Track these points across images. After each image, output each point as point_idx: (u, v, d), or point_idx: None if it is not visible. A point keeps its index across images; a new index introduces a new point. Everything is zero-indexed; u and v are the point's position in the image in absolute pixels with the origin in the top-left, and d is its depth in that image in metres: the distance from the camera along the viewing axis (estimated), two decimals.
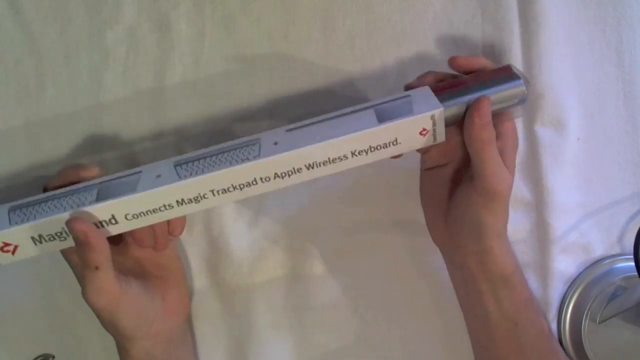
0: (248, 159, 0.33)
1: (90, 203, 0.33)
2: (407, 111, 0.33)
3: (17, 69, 0.43)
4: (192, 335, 0.44)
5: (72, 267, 0.37)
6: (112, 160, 0.43)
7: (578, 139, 0.43)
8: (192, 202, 0.34)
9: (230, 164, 0.33)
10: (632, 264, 0.38)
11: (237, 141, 0.34)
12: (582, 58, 0.42)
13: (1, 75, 0.43)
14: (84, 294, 0.34)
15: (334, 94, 0.43)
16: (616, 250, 0.43)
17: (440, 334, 0.44)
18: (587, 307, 0.42)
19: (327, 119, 0.35)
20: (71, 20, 0.43)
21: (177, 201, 0.34)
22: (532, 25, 0.41)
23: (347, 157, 0.34)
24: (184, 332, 0.42)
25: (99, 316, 0.36)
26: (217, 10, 0.43)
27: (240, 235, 0.43)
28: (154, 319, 0.38)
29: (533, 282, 0.43)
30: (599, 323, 0.41)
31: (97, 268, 0.33)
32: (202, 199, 0.34)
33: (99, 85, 0.43)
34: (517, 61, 0.42)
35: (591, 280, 0.42)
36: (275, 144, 0.33)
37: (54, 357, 0.44)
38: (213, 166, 0.33)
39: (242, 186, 0.33)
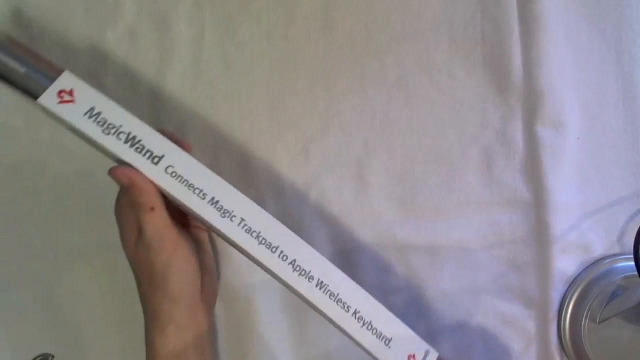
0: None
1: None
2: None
3: None
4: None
5: (142, 231, 0.35)
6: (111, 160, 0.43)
7: (578, 139, 0.43)
8: (217, 212, 0.34)
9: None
10: (632, 263, 0.38)
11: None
12: (582, 58, 0.42)
13: None
14: (143, 237, 0.34)
15: (334, 93, 0.43)
16: (616, 250, 0.43)
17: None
18: (587, 307, 0.42)
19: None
20: (71, 20, 0.43)
21: (211, 199, 0.33)
22: (532, 25, 0.41)
23: (337, 298, 0.34)
24: (210, 327, 0.40)
25: (153, 268, 0.34)
26: (217, 10, 0.43)
27: None
28: (198, 290, 0.37)
29: (533, 282, 0.43)
30: (599, 323, 0.41)
31: (152, 209, 0.33)
32: (229, 220, 0.34)
33: (99, 86, 0.43)
34: (517, 61, 0.42)
35: (591, 280, 0.42)
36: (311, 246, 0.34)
37: (53, 357, 0.44)
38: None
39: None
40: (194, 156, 0.34)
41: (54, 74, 0.33)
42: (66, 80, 0.33)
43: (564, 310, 0.43)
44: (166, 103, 0.43)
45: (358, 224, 0.43)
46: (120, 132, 0.33)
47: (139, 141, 0.33)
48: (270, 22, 0.43)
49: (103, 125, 0.33)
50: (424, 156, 0.43)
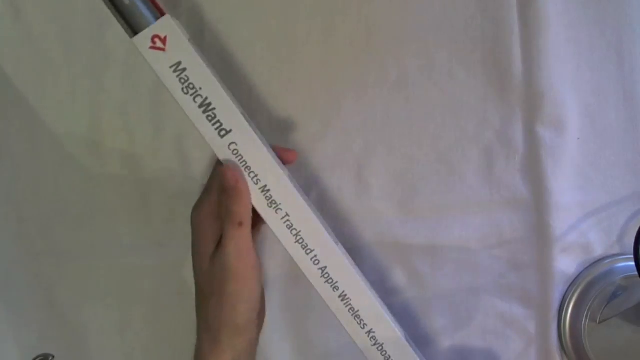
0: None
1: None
2: None
3: (17, 69, 0.43)
4: None
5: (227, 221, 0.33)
6: (112, 160, 0.43)
7: (578, 138, 0.43)
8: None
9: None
10: (632, 263, 0.38)
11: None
12: (582, 58, 0.42)
13: (1, 75, 0.43)
14: (222, 254, 0.32)
15: (334, 94, 0.43)
16: (616, 250, 0.43)
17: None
18: (587, 307, 0.42)
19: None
20: (71, 20, 0.43)
21: (263, 186, 0.33)
22: (532, 25, 0.41)
23: (356, 313, 0.35)
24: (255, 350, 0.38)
25: (224, 289, 0.32)
26: (217, 10, 0.43)
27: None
28: (261, 321, 0.35)
29: (533, 282, 0.43)
30: (599, 323, 0.41)
31: (240, 224, 0.32)
32: (274, 211, 0.34)
33: (99, 85, 0.43)
34: (517, 61, 0.42)
35: (591, 280, 0.42)
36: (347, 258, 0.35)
37: (53, 357, 0.44)
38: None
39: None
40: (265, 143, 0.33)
41: (156, 14, 0.32)
42: (163, 26, 0.32)
43: (564, 310, 0.43)
44: (166, 103, 0.43)
45: (358, 224, 0.43)
46: (198, 95, 0.32)
47: (213, 109, 0.32)
48: (270, 22, 0.43)
49: (184, 83, 0.32)
50: (424, 156, 0.43)
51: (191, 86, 0.32)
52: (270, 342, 0.44)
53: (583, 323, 0.42)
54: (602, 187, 0.43)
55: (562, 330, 0.43)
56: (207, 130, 0.33)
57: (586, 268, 0.43)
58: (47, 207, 0.44)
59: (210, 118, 0.33)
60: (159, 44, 0.32)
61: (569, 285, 0.43)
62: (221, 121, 0.33)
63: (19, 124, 0.43)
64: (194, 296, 0.44)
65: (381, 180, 0.43)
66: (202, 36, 0.43)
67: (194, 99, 0.32)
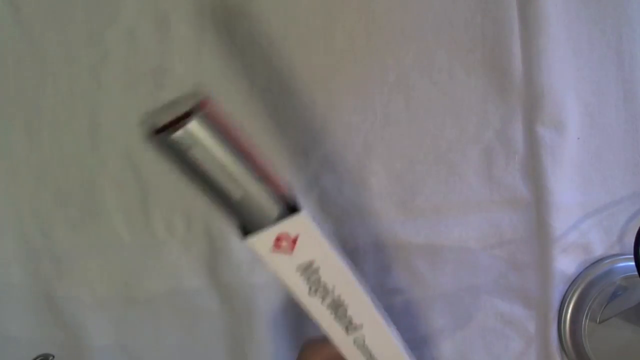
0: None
1: None
2: None
3: (17, 69, 0.43)
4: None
5: None
6: (112, 160, 0.43)
7: (578, 138, 0.43)
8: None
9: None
10: (632, 263, 0.38)
11: None
12: (582, 58, 0.42)
13: (1, 75, 0.43)
14: None
15: (334, 93, 0.43)
16: (616, 250, 0.43)
17: None
18: (587, 307, 0.42)
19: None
20: (71, 20, 0.43)
21: None
22: (532, 25, 0.41)
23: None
24: None
25: None
26: (217, 10, 0.43)
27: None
28: None
29: (533, 282, 0.43)
30: (599, 323, 0.41)
31: None
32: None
33: (99, 85, 0.43)
34: (517, 61, 0.42)
35: (591, 280, 0.43)
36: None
37: (53, 357, 0.44)
38: None
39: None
40: None
41: (280, 203, 0.24)
42: (295, 223, 0.25)
43: (564, 310, 0.43)
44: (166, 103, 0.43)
45: (358, 224, 0.43)
46: (327, 295, 0.27)
47: (345, 306, 0.28)
48: (270, 22, 0.43)
49: (312, 283, 0.27)
50: (424, 156, 0.43)
51: (322, 287, 0.27)
52: (271, 342, 0.44)
53: (583, 323, 0.42)
54: (602, 187, 0.43)
55: (562, 330, 0.43)
56: (334, 329, 0.28)
57: (586, 268, 0.43)
58: (47, 207, 0.44)
59: (339, 318, 0.28)
60: (284, 244, 0.25)
61: (569, 285, 0.43)
62: (352, 318, 0.28)
63: (19, 123, 0.43)
64: (193, 295, 0.44)
65: (381, 180, 0.43)
66: (202, 36, 0.43)
67: (323, 300, 0.27)
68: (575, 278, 0.43)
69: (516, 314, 0.43)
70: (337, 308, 0.28)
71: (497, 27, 0.42)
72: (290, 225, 0.24)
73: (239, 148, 0.23)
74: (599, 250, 0.43)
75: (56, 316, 0.44)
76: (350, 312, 0.28)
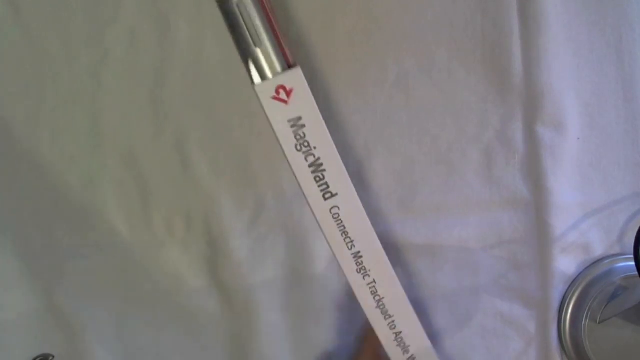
0: None
1: None
2: None
3: (17, 69, 0.43)
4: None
5: None
6: (112, 160, 0.43)
7: (578, 138, 0.43)
8: None
9: None
10: (632, 263, 0.38)
11: None
12: (582, 58, 0.42)
13: (1, 75, 0.43)
14: None
15: (334, 93, 0.43)
16: (616, 250, 0.43)
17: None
18: (587, 307, 0.42)
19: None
20: (71, 20, 0.43)
21: (356, 252, 0.33)
22: (532, 25, 0.41)
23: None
24: None
25: None
26: (217, 10, 0.43)
27: (240, 235, 0.43)
28: None
29: (533, 282, 0.43)
30: (599, 323, 0.41)
31: None
32: (362, 276, 0.34)
33: (99, 85, 0.43)
34: (517, 61, 0.42)
35: (591, 280, 0.43)
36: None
37: (53, 357, 0.44)
38: None
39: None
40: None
41: (284, 63, 0.31)
42: (292, 77, 0.31)
43: (564, 310, 0.43)
44: (166, 103, 0.43)
45: None
46: (310, 154, 0.32)
47: (323, 170, 0.32)
48: None
49: (299, 139, 0.31)
50: (424, 156, 0.43)
51: (306, 144, 0.31)
52: (270, 342, 0.44)
53: (583, 323, 0.42)
54: (602, 187, 0.43)
55: (562, 330, 0.43)
56: (312, 190, 0.32)
57: (586, 268, 0.43)
58: (47, 207, 0.44)
59: (318, 179, 0.32)
60: (282, 95, 0.31)
61: (569, 285, 0.43)
62: (329, 184, 0.32)
63: (19, 123, 0.43)
64: (192, 294, 0.44)
65: (381, 180, 0.43)
66: (202, 36, 0.43)
67: (306, 157, 0.32)
68: (575, 278, 0.43)
69: (516, 314, 0.43)
70: (317, 171, 0.31)
71: (497, 27, 0.42)
72: (288, 78, 0.31)
73: (267, 17, 0.31)
74: (599, 250, 0.43)
75: (56, 316, 0.44)
76: (327, 179, 0.32)
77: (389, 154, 0.43)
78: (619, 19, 0.42)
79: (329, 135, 0.32)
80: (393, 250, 0.43)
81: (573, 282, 0.43)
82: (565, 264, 0.43)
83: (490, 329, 0.44)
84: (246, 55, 0.32)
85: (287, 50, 0.32)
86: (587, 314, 0.41)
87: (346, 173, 0.32)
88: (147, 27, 0.43)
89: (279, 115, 0.31)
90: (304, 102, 0.31)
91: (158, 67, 0.43)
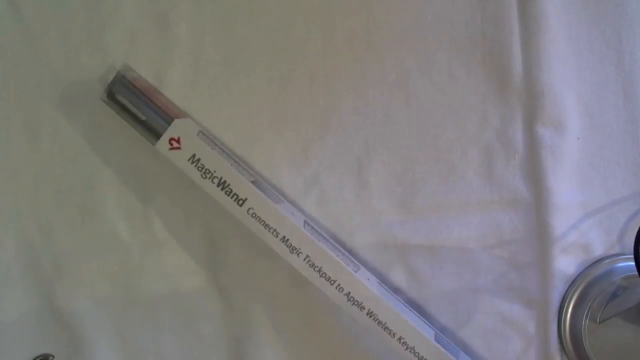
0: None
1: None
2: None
3: (17, 69, 0.43)
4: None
5: None
6: (112, 160, 0.43)
7: (578, 138, 0.43)
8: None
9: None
10: (632, 263, 0.38)
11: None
12: (582, 58, 0.42)
13: (1, 75, 0.43)
14: None
15: (334, 93, 0.43)
16: (616, 250, 0.43)
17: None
18: (587, 307, 0.42)
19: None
20: (71, 20, 0.43)
21: (282, 237, 0.39)
22: (532, 25, 0.41)
23: (384, 325, 0.39)
24: None
25: None
26: (217, 10, 0.43)
27: (240, 235, 0.43)
28: None
29: (533, 282, 0.43)
30: (599, 323, 0.41)
31: None
32: (296, 255, 0.39)
33: (99, 85, 0.43)
34: (517, 61, 0.42)
35: (591, 280, 0.42)
36: (368, 279, 0.40)
37: (53, 357, 0.44)
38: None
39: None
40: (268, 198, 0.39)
41: (169, 119, 0.39)
42: (175, 129, 0.39)
43: (564, 310, 0.43)
44: None
45: (358, 224, 0.43)
46: (214, 177, 0.39)
47: (228, 185, 0.39)
48: (270, 22, 0.43)
49: (201, 170, 0.39)
50: (424, 156, 0.43)
51: (207, 171, 0.39)
52: (270, 342, 0.44)
53: (583, 323, 0.42)
54: (602, 187, 0.43)
55: (562, 330, 0.43)
56: (228, 202, 0.39)
57: (586, 268, 0.43)
58: (47, 206, 0.44)
59: (228, 193, 0.39)
60: (175, 144, 0.39)
61: (569, 285, 0.43)
62: (237, 193, 0.39)
63: (19, 123, 0.43)
64: (193, 295, 0.44)
65: (381, 180, 0.43)
66: (202, 36, 0.43)
67: (212, 180, 0.39)
68: (575, 278, 0.43)
69: (516, 314, 0.43)
70: (225, 187, 0.39)
71: (497, 27, 0.42)
72: (173, 131, 0.39)
73: (142, 95, 0.40)
74: (599, 250, 0.43)
75: (56, 316, 0.44)
76: (235, 190, 0.39)
77: (389, 154, 0.43)
78: (619, 19, 0.42)
79: (221, 157, 0.39)
80: (393, 250, 0.43)
81: (573, 282, 0.43)
82: (565, 264, 0.43)
83: (490, 329, 0.44)
84: (141, 126, 0.39)
85: (167, 109, 0.40)
86: (587, 314, 0.41)
87: (246, 180, 0.39)
88: (147, 27, 0.43)
89: (180, 160, 0.39)
90: (192, 142, 0.39)
91: (158, 67, 0.43)
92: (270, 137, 0.43)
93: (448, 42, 0.42)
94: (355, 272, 0.40)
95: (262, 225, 0.39)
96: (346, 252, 0.42)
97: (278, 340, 0.44)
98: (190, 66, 0.43)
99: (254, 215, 0.39)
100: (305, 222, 0.41)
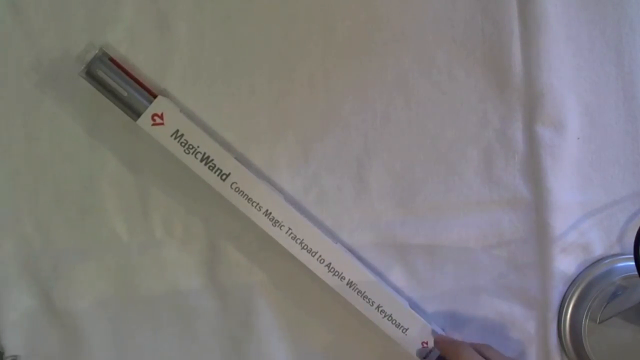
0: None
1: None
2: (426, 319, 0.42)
3: (17, 69, 0.43)
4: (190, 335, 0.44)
5: None
6: (112, 160, 0.43)
7: (578, 138, 0.43)
8: None
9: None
10: (632, 263, 0.38)
11: None
12: (582, 58, 0.42)
13: (1, 75, 0.43)
14: None
15: (334, 93, 0.43)
16: (616, 250, 0.43)
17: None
18: (587, 307, 0.42)
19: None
20: (71, 20, 0.43)
21: (265, 210, 0.41)
22: (532, 25, 0.41)
23: (364, 294, 0.41)
24: None
25: None
26: (217, 10, 0.43)
27: (239, 235, 0.43)
28: None
29: (533, 282, 0.43)
30: (599, 323, 0.41)
31: None
32: (278, 228, 0.41)
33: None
34: (517, 61, 0.42)
35: (591, 280, 0.42)
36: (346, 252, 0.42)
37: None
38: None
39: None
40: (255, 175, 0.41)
41: (149, 96, 0.40)
42: (158, 105, 0.39)
43: (564, 310, 0.43)
44: None
45: (358, 224, 0.43)
46: (197, 152, 0.39)
47: (212, 160, 0.40)
48: (270, 22, 0.43)
49: (184, 146, 0.39)
50: (424, 156, 0.43)
51: (190, 147, 0.39)
52: (270, 342, 0.44)
53: (583, 323, 0.42)
54: (602, 187, 0.43)
55: (562, 330, 0.43)
56: (211, 177, 0.40)
57: (586, 268, 0.43)
58: (46, 206, 0.44)
59: (211, 168, 0.40)
60: (158, 120, 0.39)
61: (569, 285, 0.43)
62: (220, 168, 0.40)
63: (19, 123, 0.43)
64: (192, 295, 0.44)
65: (381, 180, 0.43)
66: (202, 36, 0.43)
67: (195, 155, 0.39)
68: (575, 278, 0.43)
69: (516, 314, 0.43)
70: (208, 162, 0.40)
71: (497, 27, 0.42)
72: (156, 106, 0.39)
73: (123, 71, 0.40)
74: (598, 250, 0.43)
75: (55, 316, 0.44)
76: (218, 165, 0.40)
77: (389, 154, 0.43)
78: (619, 19, 0.42)
79: (204, 133, 0.40)
80: (393, 250, 0.43)
81: (573, 282, 0.43)
82: (565, 264, 0.43)
83: (490, 329, 0.44)
84: (122, 103, 0.40)
85: (147, 86, 0.41)
86: (587, 314, 0.41)
87: (230, 155, 0.40)
88: (147, 27, 0.43)
89: (162, 136, 0.39)
90: (175, 118, 0.39)
91: (158, 67, 0.43)
92: (270, 137, 0.43)
93: (448, 42, 0.42)
94: (335, 244, 0.41)
95: (246, 199, 0.40)
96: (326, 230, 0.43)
97: (276, 339, 0.44)
98: (190, 66, 0.43)
99: (237, 189, 0.40)
100: (285, 199, 0.42)
